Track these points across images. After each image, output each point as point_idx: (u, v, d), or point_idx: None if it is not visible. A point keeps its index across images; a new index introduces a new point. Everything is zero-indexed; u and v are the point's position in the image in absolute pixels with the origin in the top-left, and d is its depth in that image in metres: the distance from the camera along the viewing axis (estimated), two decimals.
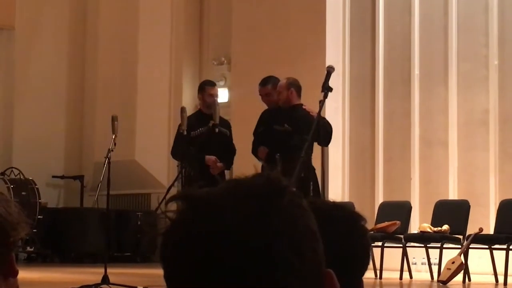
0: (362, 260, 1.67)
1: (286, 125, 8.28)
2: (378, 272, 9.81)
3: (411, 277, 10.06)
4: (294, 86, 8.52)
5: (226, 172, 9.00)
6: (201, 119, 8.74)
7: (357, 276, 1.65)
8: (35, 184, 13.25)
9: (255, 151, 8.64)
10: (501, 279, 9.33)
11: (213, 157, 8.65)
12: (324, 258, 1.01)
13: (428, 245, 9.94)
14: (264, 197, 0.98)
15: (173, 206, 1.05)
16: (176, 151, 8.97)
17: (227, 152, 8.89)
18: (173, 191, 8.48)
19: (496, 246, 9.47)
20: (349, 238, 1.63)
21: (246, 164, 9.34)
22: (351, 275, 1.61)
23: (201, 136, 8.63)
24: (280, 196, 0.99)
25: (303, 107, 8.38)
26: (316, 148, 8.02)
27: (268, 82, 8.78)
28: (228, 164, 8.94)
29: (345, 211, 1.67)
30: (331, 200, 1.72)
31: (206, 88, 9.09)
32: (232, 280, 0.94)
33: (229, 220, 0.96)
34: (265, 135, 8.55)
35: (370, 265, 1.77)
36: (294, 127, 8.21)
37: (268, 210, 0.97)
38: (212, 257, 0.95)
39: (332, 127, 8.39)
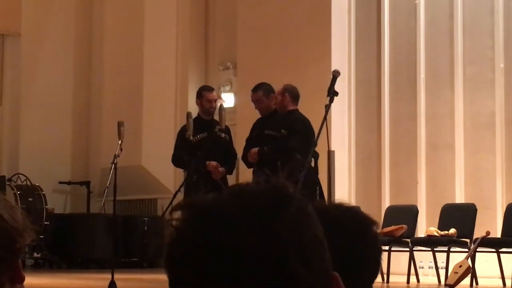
0: (372, 268, 1.66)
1: (282, 131, 8.37)
2: (385, 276, 9.80)
3: (418, 281, 10.04)
4: (288, 91, 8.61)
5: (229, 177, 9.01)
6: (200, 125, 8.74)
7: (367, 283, 1.64)
8: (42, 190, 13.27)
9: (245, 157, 8.70)
10: (508, 282, 9.30)
11: (214, 163, 8.65)
12: (331, 265, 1.01)
13: (435, 249, 9.92)
14: (270, 206, 0.97)
15: (178, 213, 1.04)
16: (177, 158, 8.96)
17: (228, 157, 8.90)
18: (180, 196, 8.49)
19: (504, 249, 9.44)
20: (360, 246, 1.62)
21: (250, 169, 9.31)
22: (361, 282, 1.60)
23: (206, 141, 8.63)
24: (287, 205, 0.98)
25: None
26: (323, 152, 8.02)
27: (259, 88, 8.85)
28: (230, 169, 8.95)
29: (356, 217, 1.66)
30: (343, 204, 1.70)
31: (204, 94, 9.08)
32: None
33: (236, 230, 0.95)
34: (258, 140, 8.62)
35: None
36: (290, 131, 8.30)
37: (274, 220, 0.96)
38: (218, 268, 0.94)
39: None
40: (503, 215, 9.98)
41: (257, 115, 8.99)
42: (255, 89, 8.88)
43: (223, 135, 8.64)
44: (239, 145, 9.06)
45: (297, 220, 0.97)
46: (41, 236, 12.27)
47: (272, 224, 0.96)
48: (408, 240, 10.06)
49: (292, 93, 8.62)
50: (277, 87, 8.97)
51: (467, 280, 9.15)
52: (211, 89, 9.38)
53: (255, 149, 8.51)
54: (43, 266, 13.10)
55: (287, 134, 8.33)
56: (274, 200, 0.97)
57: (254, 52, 12.72)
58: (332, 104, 7.47)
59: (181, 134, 8.91)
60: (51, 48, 14.97)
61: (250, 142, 8.76)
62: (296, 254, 0.95)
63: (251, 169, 8.69)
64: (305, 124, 8.38)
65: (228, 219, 0.96)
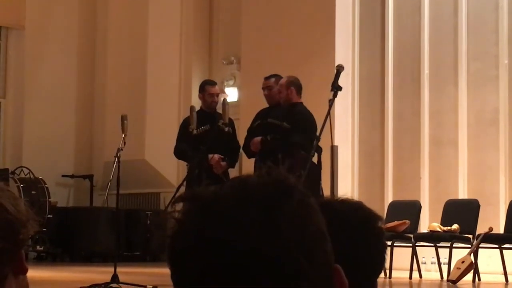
0: (377, 263, 1.66)
1: (284, 123, 8.36)
2: (387, 271, 9.80)
3: (420, 276, 10.04)
4: (294, 84, 8.60)
5: (231, 170, 9.00)
6: (203, 118, 8.75)
7: (371, 278, 1.64)
8: (45, 183, 13.28)
9: (246, 147, 8.70)
10: (511, 278, 9.31)
11: (216, 156, 8.64)
12: (333, 257, 1.00)
13: (437, 245, 9.93)
14: (272, 199, 0.96)
15: (180, 206, 1.04)
16: (180, 151, 8.96)
17: (231, 150, 8.89)
18: (182, 190, 8.49)
19: (506, 245, 9.45)
20: (365, 241, 1.62)
21: (252, 162, 9.35)
22: (365, 277, 1.61)
23: (208, 133, 8.62)
24: (289, 197, 0.97)
25: None
26: (326, 146, 8.02)
27: (272, 77, 8.92)
28: (233, 163, 8.95)
29: (361, 212, 1.66)
30: (348, 199, 1.70)
31: (206, 88, 9.09)
32: (241, 284, 0.93)
33: (236, 225, 0.94)
34: (260, 129, 8.62)
35: None
36: (292, 125, 8.30)
37: (277, 213, 0.95)
38: (220, 262, 0.93)
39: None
40: (506, 211, 9.98)
41: (260, 108, 8.99)
42: (268, 77, 8.95)
43: (226, 128, 8.63)
44: (242, 140, 9.05)
45: (299, 213, 0.96)
46: (44, 229, 12.29)
47: (274, 218, 0.95)
48: (411, 235, 10.07)
49: (297, 86, 8.63)
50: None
51: (469, 276, 9.15)
52: (213, 83, 9.38)
53: (258, 138, 8.51)
54: (46, 259, 13.12)
55: (289, 128, 8.33)
56: (275, 193, 0.96)
57: (258, 46, 12.71)
58: (336, 99, 7.46)
59: (183, 126, 8.92)
60: (55, 41, 14.98)
61: (253, 131, 8.77)
62: (298, 247, 0.95)
63: (253, 163, 8.69)
64: (309, 119, 8.38)
65: (229, 213, 0.95)
